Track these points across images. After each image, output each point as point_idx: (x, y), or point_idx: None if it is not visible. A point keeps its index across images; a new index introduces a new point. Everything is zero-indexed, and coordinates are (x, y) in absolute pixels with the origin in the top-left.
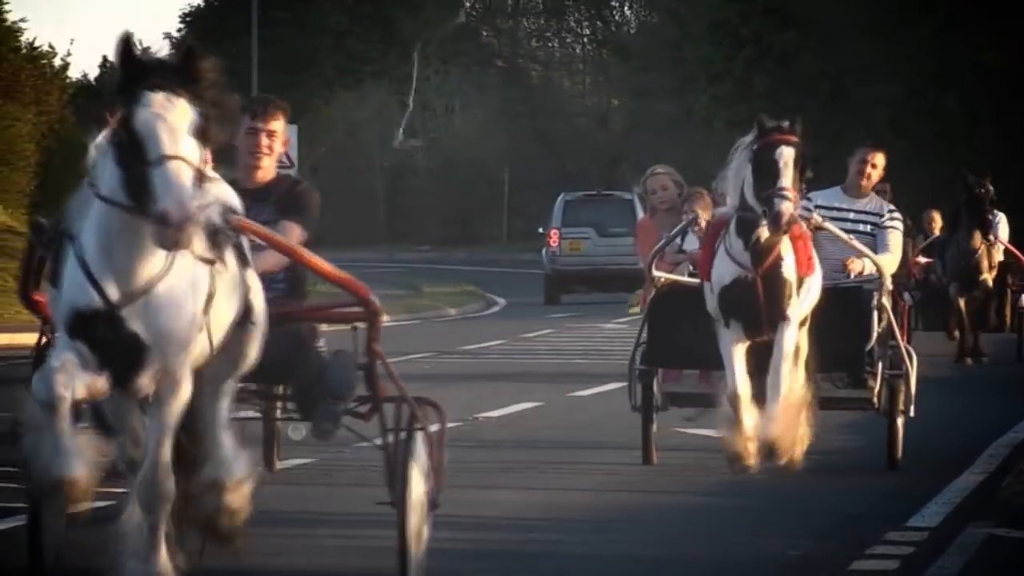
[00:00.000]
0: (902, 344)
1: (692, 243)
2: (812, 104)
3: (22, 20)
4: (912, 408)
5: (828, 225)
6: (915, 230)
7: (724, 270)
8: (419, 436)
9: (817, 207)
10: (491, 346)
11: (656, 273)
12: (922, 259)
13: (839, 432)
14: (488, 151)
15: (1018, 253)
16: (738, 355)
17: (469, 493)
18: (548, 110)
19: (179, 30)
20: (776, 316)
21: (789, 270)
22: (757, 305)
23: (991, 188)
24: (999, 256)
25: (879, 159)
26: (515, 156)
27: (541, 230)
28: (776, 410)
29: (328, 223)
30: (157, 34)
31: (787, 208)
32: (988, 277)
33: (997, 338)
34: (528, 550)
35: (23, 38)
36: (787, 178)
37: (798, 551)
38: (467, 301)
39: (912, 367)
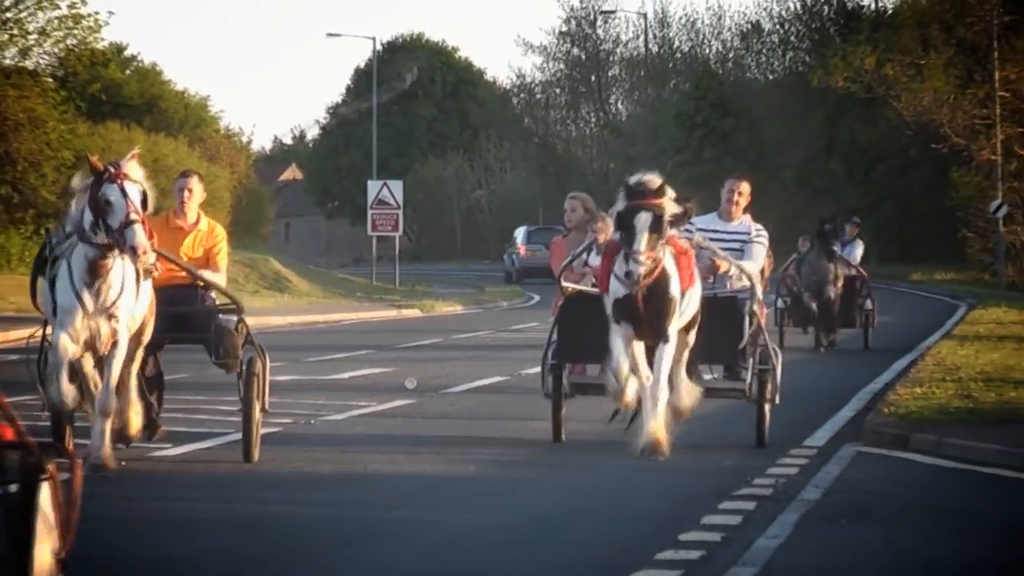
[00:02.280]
0: (769, 343)
1: (597, 259)
2: (743, 166)
3: (221, 111)
4: (777, 397)
5: (707, 243)
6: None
7: (615, 287)
8: (44, 487)
9: (698, 230)
10: (530, 326)
11: (564, 284)
12: (791, 271)
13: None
14: (528, 197)
15: (863, 271)
16: (625, 342)
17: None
18: (567, 170)
19: (326, 118)
20: (659, 329)
21: (673, 287)
22: (641, 317)
23: (857, 223)
24: (848, 272)
25: (744, 187)
26: (546, 201)
27: (508, 245)
28: (653, 422)
29: (424, 245)
30: (311, 120)
31: (637, 270)
32: (833, 288)
33: (849, 332)
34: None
35: (221, 123)
36: (641, 242)
37: (711, 478)
38: (513, 296)
39: (777, 363)
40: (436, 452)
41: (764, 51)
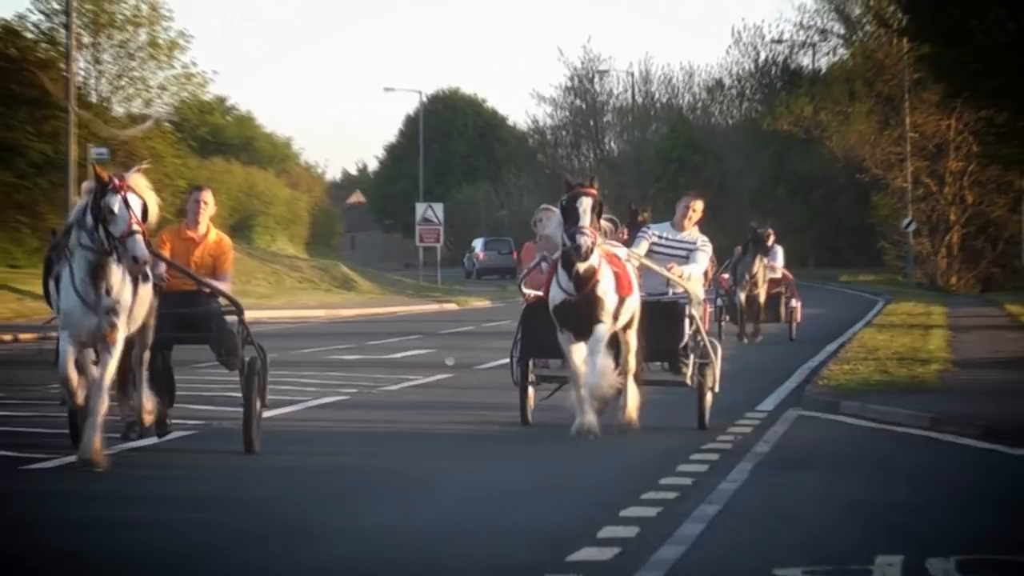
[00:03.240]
0: (706, 340)
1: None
2: (706, 190)
3: (301, 148)
4: (717, 385)
5: (645, 261)
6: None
7: (555, 294)
8: None
9: (653, 234)
10: None
11: (524, 290)
12: (725, 276)
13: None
14: None
15: (788, 274)
16: (575, 351)
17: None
18: None
19: (385, 155)
20: (589, 325)
21: (605, 291)
22: (579, 319)
23: (770, 231)
24: (774, 275)
25: (698, 205)
26: None
27: (469, 251)
28: (596, 385)
29: (459, 254)
30: (371, 157)
31: (585, 241)
32: (760, 289)
33: (776, 328)
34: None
35: (302, 158)
36: (586, 219)
37: (683, 439)
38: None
39: (716, 356)
40: (469, 415)
41: (725, 101)
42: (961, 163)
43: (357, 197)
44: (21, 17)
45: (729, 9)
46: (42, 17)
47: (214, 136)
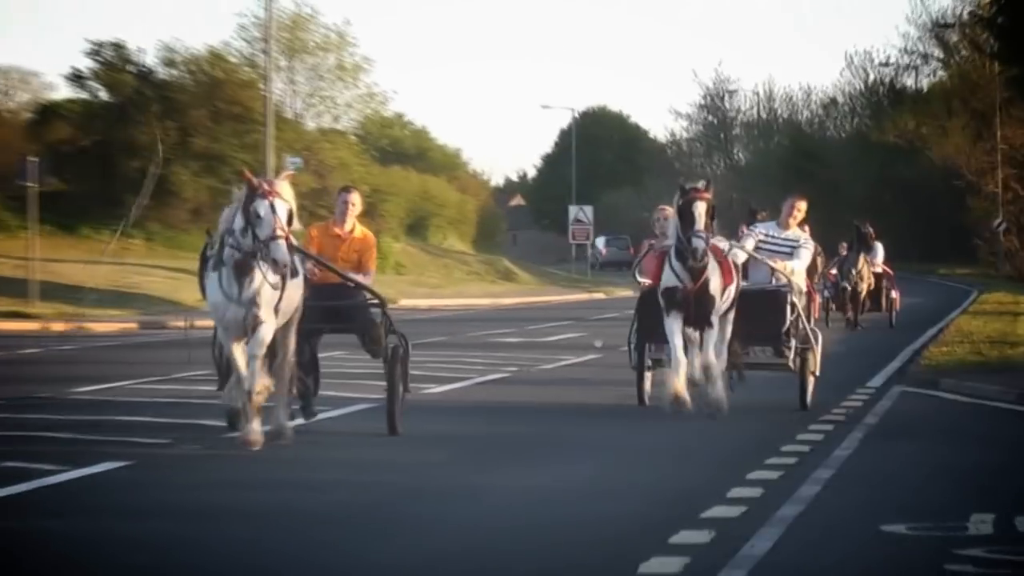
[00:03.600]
0: (809, 327)
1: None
2: (811, 195)
3: (470, 157)
4: (818, 370)
5: (753, 254)
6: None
7: (667, 278)
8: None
9: (760, 233)
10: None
11: (639, 278)
12: (832, 271)
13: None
14: None
15: (888, 269)
16: (677, 333)
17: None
18: None
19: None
20: (703, 319)
21: (715, 287)
22: (688, 309)
23: (871, 230)
24: (876, 269)
25: (802, 205)
26: None
27: (593, 247)
28: (705, 374)
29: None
30: (530, 165)
31: (701, 245)
32: (864, 283)
33: (878, 316)
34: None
35: (470, 166)
36: (700, 223)
37: (799, 414)
38: None
39: (817, 343)
40: (614, 391)
41: (839, 117)
42: None
43: (518, 200)
44: (226, 44)
45: (843, 36)
46: (244, 44)
47: (393, 147)
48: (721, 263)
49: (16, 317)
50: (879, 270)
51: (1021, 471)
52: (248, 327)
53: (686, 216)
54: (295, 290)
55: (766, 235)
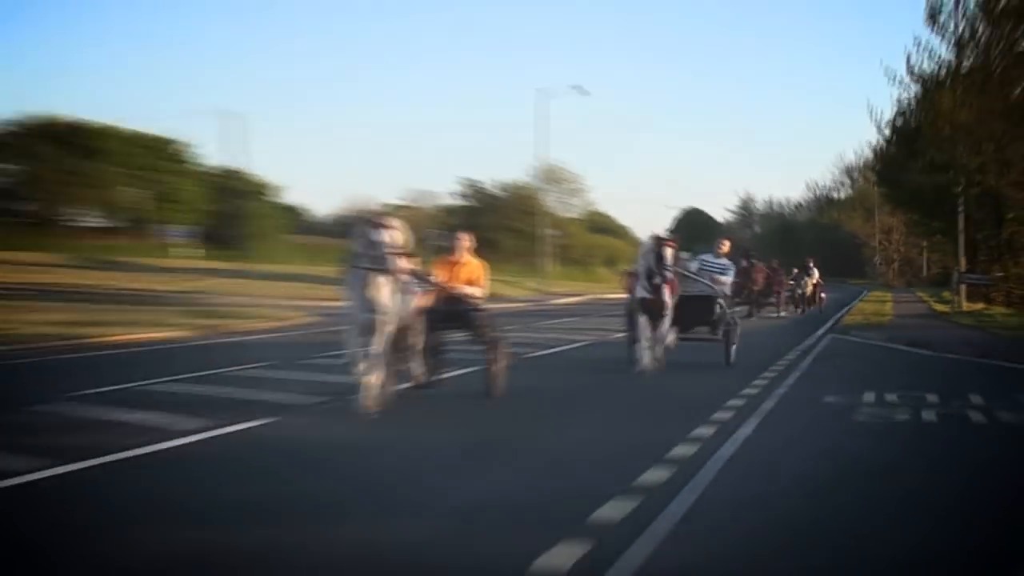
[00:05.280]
0: (732, 316)
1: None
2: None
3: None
4: (737, 342)
5: (694, 276)
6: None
7: (639, 292)
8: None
9: (702, 259)
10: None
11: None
12: (791, 282)
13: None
14: None
15: (820, 281)
16: (644, 324)
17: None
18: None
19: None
20: (657, 315)
21: (666, 297)
22: (651, 310)
23: (812, 262)
24: (814, 282)
25: (725, 244)
26: None
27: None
28: (658, 349)
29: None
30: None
31: (667, 275)
32: (808, 289)
33: (815, 308)
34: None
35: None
36: (668, 262)
37: (759, 361)
38: None
39: (737, 326)
40: (616, 365)
41: (801, 211)
42: (897, 229)
43: None
44: (521, 178)
45: (805, 171)
46: (524, 177)
47: (596, 224)
48: (670, 283)
49: None
50: (816, 282)
51: (884, 373)
52: (371, 328)
53: (660, 256)
54: (408, 301)
55: (705, 260)
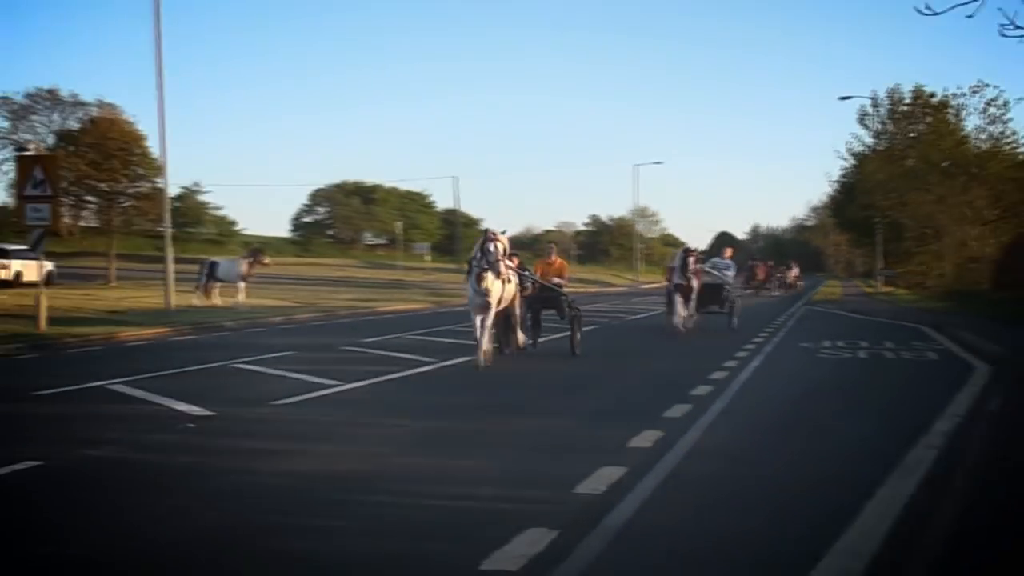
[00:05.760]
0: (735, 298)
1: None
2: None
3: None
4: (738, 316)
5: (712, 271)
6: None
7: (678, 280)
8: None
9: (713, 260)
10: None
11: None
12: (778, 275)
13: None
14: None
15: (799, 274)
16: (679, 301)
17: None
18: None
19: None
20: (687, 297)
21: (695, 285)
22: (683, 293)
23: (795, 263)
24: (794, 274)
25: (728, 251)
26: None
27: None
28: (686, 316)
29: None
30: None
31: (693, 280)
32: (790, 280)
33: (795, 292)
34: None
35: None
36: (691, 268)
37: (753, 328)
38: None
39: (738, 304)
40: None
41: (790, 233)
42: (842, 243)
43: None
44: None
45: (787, 204)
46: (625, 213)
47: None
48: (696, 275)
49: None
50: (795, 274)
51: (835, 328)
52: (484, 308)
53: (685, 261)
54: (511, 289)
55: (717, 261)
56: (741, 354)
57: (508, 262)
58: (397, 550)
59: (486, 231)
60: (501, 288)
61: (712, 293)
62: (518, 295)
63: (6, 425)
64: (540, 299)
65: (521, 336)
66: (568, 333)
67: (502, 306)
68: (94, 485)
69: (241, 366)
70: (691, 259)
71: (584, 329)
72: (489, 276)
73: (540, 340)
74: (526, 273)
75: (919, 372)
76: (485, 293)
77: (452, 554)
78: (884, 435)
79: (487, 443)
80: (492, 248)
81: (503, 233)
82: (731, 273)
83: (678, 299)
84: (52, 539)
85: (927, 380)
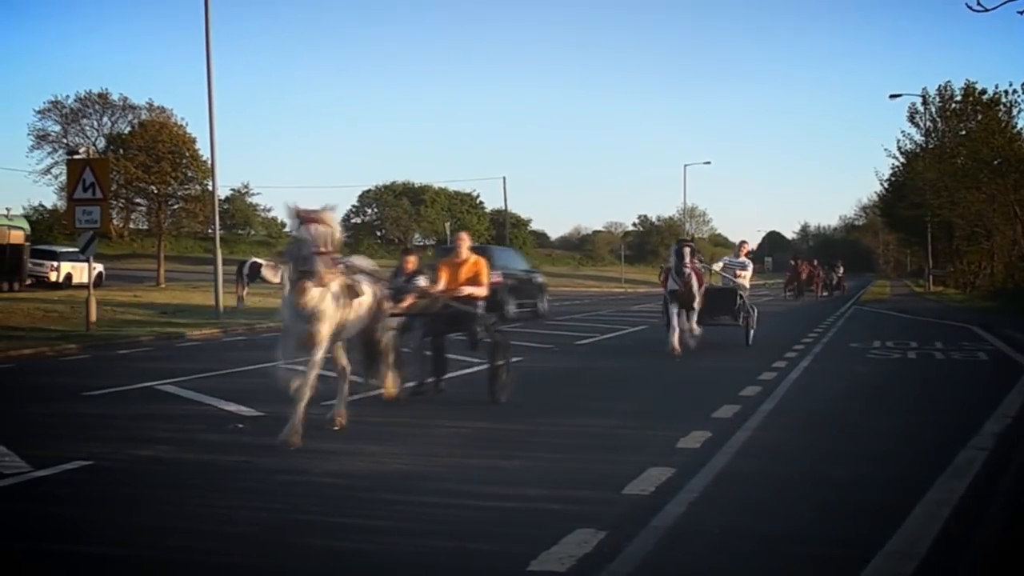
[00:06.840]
0: (750, 305)
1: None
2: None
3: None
4: (755, 328)
5: (722, 273)
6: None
7: (671, 285)
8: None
9: (725, 259)
10: None
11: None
12: (822, 274)
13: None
14: None
15: (844, 274)
16: (675, 312)
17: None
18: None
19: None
20: (687, 304)
21: (694, 288)
22: (681, 299)
23: (840, 263)
24: (839, 274)
25: (746, 246)
26: None
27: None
28: (688, 330)
29: None
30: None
31: (687, 271)
32: (836, 279)
33: (840, 293)
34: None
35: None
36: (686, 260)
37: (790, 339)
38: None
39: (754, 313)
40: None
41: (840, 232)
42: (891, 242)
43: None
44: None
45: (838, 202)
46: (674, 213)
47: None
48: (697, 275)
49: None
50: (841, 275)
51: (885, 328)
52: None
53: (680, 254)
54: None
55: (729, 260)
56: (790, 354)
57: (328, 257)
58: (444, 550)
59: (679, 240)
60: (333, 304)
61: (723, 300)
62: (380, 311)
63: (56, 425)
64: (444, 318)
65: (392, 375)
66: (485, 365)
67: (351, 332)
68: (142, 484)
69: (293, 367)
70: (685, 250)
71: (631, 329)
72: (309, 286)
73: (446, 377)
74: (415, 282)
75: (969, 372)
76: (307, 316)
77: (500, 554)
78: (934, 436)
79: (536, 444)
80: (685, 253)
81: (330, 210)
82: (747, 273)
83: (674, 310)
84: (100, 538)
85: (977, 381)
